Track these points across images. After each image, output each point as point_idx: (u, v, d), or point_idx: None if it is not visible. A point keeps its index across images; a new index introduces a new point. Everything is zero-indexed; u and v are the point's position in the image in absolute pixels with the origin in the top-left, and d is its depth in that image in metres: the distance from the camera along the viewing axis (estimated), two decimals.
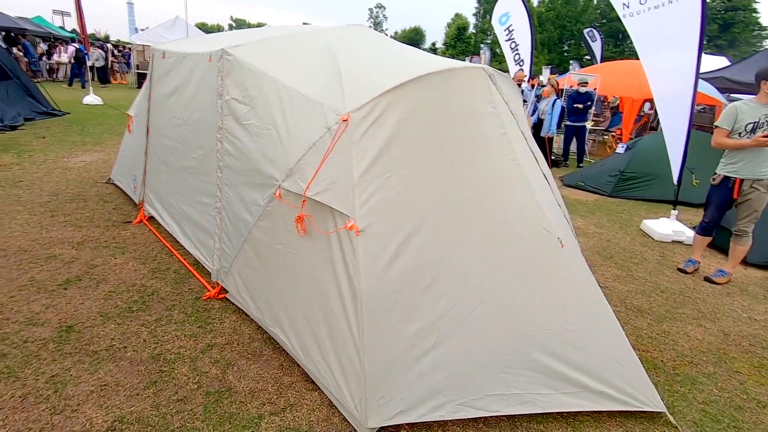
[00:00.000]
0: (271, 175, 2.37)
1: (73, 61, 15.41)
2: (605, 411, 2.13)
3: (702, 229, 3.97)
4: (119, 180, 4.89)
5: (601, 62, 15.80)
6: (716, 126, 3.65)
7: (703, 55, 4.77)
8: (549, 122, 7.86)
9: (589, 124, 10.39)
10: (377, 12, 68.52)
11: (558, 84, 8.38)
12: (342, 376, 1.98)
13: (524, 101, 8.55)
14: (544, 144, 7.88)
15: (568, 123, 9.04)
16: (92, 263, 3.26)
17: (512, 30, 9.52)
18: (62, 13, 22.98)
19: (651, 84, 5.01)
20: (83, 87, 14.36)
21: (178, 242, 3.54)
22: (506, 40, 9.69)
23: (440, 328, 2.03)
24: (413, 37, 62.98)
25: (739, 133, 3.58)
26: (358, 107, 2.12)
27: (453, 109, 2.34)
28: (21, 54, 14.57)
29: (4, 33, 16.57)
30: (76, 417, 1.91)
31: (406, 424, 1.96)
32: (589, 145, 11.02)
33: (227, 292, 2.86)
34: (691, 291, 3.69)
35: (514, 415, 2.08)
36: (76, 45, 15.56)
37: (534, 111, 8.40)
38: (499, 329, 2.11)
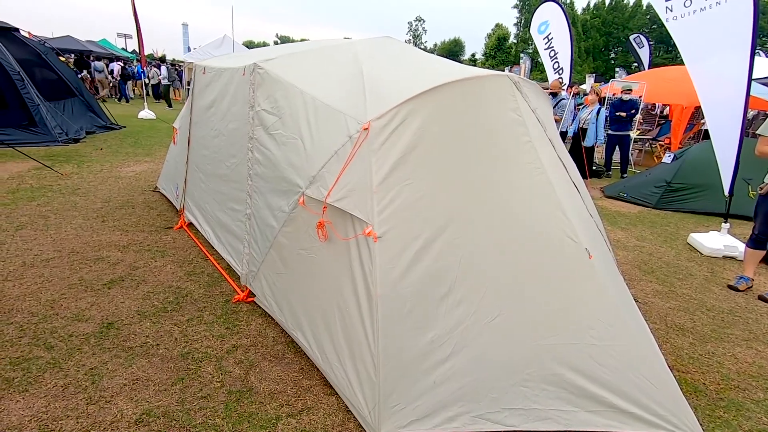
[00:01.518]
0: (296, 183, 2.45)
1: (119, 78, 16.56)
2: None
3: (753, 243, 3.68)
4: (164, 188, 5.19)
5: (649, 69, 15.11)
6: (760, 134, 3.40)
7: (757, 57, 4.47)
8: (594, 132, 7.59)
9: (634, 134, 9.95)
10: (416, 25, 69.23)
11: (600, 92, 8.08)
12: (357, 381, 1.99)
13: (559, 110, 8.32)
14: (582, 154, 7.60)
15: (610, 132, 8.70)
16: (135, 265, 3.47)
17: (551, 38, 9.33)
18: (125, 36, 24.91)
19: (698, 90, 4.74)
20: (126, 101, 15.57)
21: (213, 247, 3.70)
22: (545, 49, 9.50)
23: (458, 337, 2.00)
24: (453, 49, 63.09)
25: None
26: (379, 116, 2.16)
27: (476, 116, 2.33)
28: (87, 75, 15.83)
29: (75, 56, 18.17)
30: (109, 408, 2.03)
31: None
32: (634, 155, 10.54)
33: (255, 295, 2.96)
34: (742, 310, 3.42)
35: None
36: (121, 63, 16.72)
37: (573, 119, 8.15)
38: (519, 340, 2.06)
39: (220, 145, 3.39)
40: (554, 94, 8.27)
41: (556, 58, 9.27)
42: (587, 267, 2.25)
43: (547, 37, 9.40)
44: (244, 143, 2.94)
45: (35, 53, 8.82)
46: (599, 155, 9.69)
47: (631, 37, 17.69)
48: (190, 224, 4.24)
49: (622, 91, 8.62)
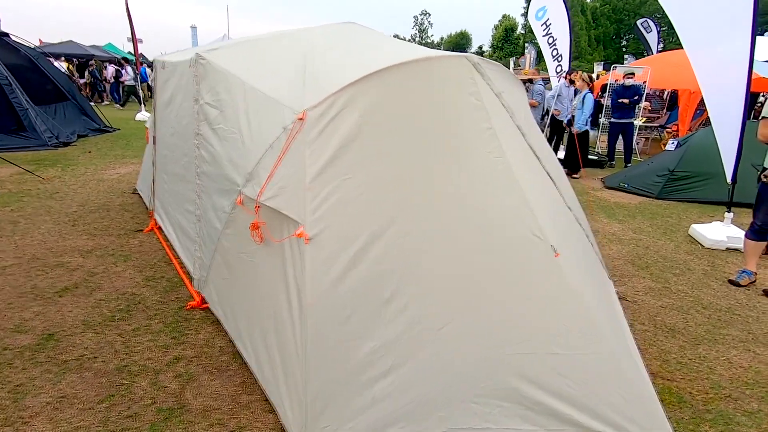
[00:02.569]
0: (235, 181, 2.26)
1: (112, 80, 16.39)
2: None
3: (754, 233, 3.38)
4: (141, 190, 5.06)
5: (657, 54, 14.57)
6: (764, 117, 3.09)
7: (760, 37, 4.16)
8: (579, 117, 7.27)
9: (639, 121, 9.56)
10: (422, 19, 68.58)
11: (589, 77, 7.75)
12: (288, 398, 1.80)
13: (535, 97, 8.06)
14: (575, 142, 7.29)
15: (612, 120, 8.34)
16: (94, 271, 3.33)
17: (549, 24, 8.97)
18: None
19: (697, 73, 4.43)
20: (117, 103, 15.52)
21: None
22: (543, 36, 9.15)
23: (402, 347, 1.79)
24: (459, 42, 62.37)
25: None
26: (316, 104, 1.95)
27: (428, 102, 2.10)
28: (77, 77, 15.60)
29: (77, 61, 18.24)
30: (24, 430, 1.87)
31: None
32: (640, 143, 10.14)
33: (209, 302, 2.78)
34: (742, 308, 3.14)
35: None
36: (115, 66, 16.58)
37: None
38: (472, 351, 1.84)
39: (176, 143, 3.22)
40: (532, 81, 8.03)
41: (555, 45, 8.92)
42: (553, 266, 2.01)
43: (545, 23, 9.05)
44: (192, 140, 2.76)
45: (26, 58, 8.80)
46: (603, 144, 9.32)
47: (639, 22, 17.10)
48: (161, 227, 4.09)
49: (624, 77, 8.25)
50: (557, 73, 8.95)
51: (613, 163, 8.52)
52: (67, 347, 2.42)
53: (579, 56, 43.55)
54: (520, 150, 2.42)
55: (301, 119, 1.94)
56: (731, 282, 3.49)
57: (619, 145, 8.48)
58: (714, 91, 4.32)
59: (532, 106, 7.92)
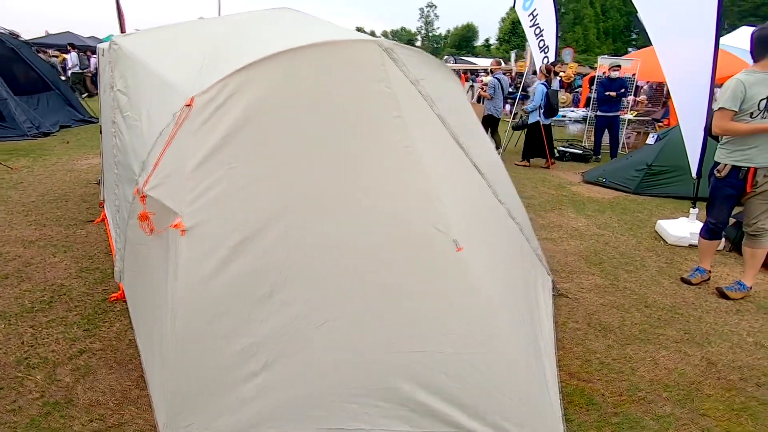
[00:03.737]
0: (134, 170, 2.19)
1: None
2: None
3: (708, 232, 3.25)
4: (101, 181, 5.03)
5: None
6: (720, 108, 2.94)
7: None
8: (528, 108, 7.24)
9: (630, 114, 9.35)
10: (428, 11, 67.86)
11: (544, 68, 7.59)
12: (160, 394, 1.74)
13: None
14: (542, 135, 7.19)
15: (599, 113, 8.15)
16: (30, 261, 3.30)
17: (536, 15, 8.75)
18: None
19: (663, 67, 4.30)
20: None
21: None
22: (530, 26, 8.92)
23: (276, 346, 1.72)
24: (466, 34, 61.57)
25: (751, 113, 2.87)
26: (205, 90, 1.87)
27: (331, 88, 2.01)
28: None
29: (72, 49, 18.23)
30: None
31: None
32: (631, 137, 9.92)
33: None
34: (687, 306, 3.02)
35: None
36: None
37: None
38: (353, 349, 1.76)
39: (107, 131, 3.16)
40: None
41: (542, 35, 8.71)
42: (454, 262, 1.92)
43: (531, 13, 8.83)
44: (110, 128, 2.70)
45: (10, 49, 8.79)
46: (590, 141, 9.14)
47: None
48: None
49: (610, 69, 8.05)
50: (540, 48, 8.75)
51: (599, 157, 8.34)
52: None
53: (587, 49, 42.73)
54: (438, 140, 2.32)
55: (188, 105, 1.86)
56: (683, 280, 3.37)
57: (607, 139, 8.30)
58: (679, 84, 4.18)
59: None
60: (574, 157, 8.26)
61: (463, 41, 60.99)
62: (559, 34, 8.52)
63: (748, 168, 2.94)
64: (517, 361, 1.87)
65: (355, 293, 1.82)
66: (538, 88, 7.11)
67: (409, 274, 1.87)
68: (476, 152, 2.62)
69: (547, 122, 7.25)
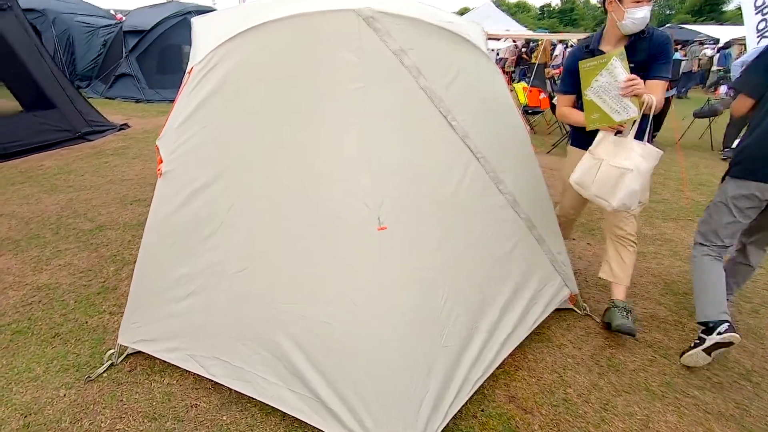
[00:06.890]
0: None
1: None
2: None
3: None
4: None
5: None
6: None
7: None
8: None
9: None
10: None
11: None
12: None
13: None
14: None
15: None
16: None
17: None
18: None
19: None
20: None
21: None
22: None
23: (203, 279, 2.04)
24: None
25: None
26: (200, 59, 2.25)
27: (302, 58, 2.13)
28: None
29: None
30: None
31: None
32: None
33: None
34: None
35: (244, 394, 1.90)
36: None
37: None
38: (255, 298, 1.96)
39: None
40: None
41: None
42: (369, 238, 1.89)
43: None
44: None
45: None
46: None
47: None
48: None
49: None
50: (759, 30, 6.56)
51: None
52: None
53: None
54: (412, 114, 2.20)
55: (189, 73, 2.27)
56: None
57: None
58: None
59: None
60: None
61: (706, 4, 48.62)
62: None
63: None
64: (392, 351, 1.75)
65: (267, 251, 1.97)
66: None
67: (316, 242, 1.91)
68: (478, 132, 2.37)
69: None
